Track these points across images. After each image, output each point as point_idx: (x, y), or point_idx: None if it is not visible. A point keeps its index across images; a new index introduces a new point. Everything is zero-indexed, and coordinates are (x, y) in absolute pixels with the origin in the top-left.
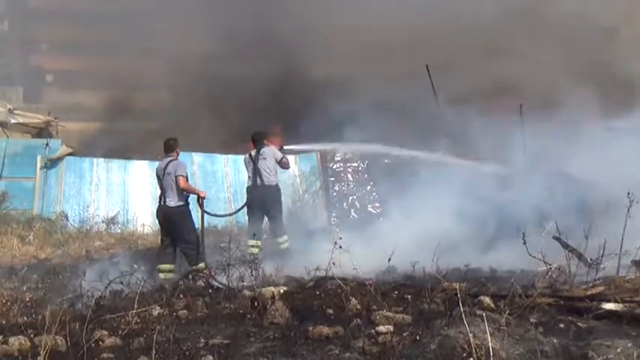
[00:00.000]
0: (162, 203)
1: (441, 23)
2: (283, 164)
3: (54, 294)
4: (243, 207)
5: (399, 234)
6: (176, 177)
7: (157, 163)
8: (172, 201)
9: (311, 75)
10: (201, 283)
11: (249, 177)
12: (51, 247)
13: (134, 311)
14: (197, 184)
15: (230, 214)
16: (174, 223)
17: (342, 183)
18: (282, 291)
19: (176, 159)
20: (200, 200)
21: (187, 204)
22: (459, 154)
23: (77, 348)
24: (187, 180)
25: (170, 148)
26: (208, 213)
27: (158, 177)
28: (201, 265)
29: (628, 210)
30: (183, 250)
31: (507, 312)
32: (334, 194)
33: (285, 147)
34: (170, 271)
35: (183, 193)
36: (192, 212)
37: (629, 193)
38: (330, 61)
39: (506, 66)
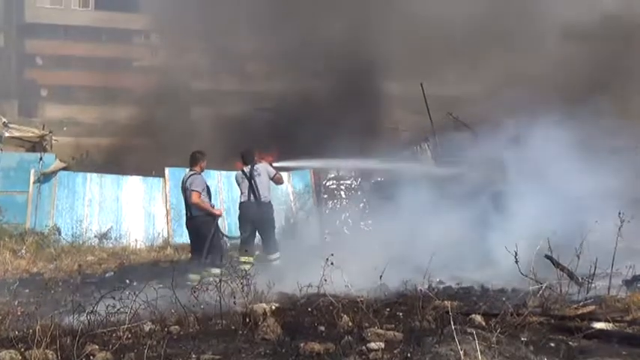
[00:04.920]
0: (188, 215)
1: None
2: (277, 180)
3: (45, 308)
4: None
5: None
6: (190, 192)
7: (150, 179)
8: (196, 212)
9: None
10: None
11: (242, 193)
12: (43, 262)
13: (125, 326)
14: None
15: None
16: (198, 233)
17: (335, 200)
18: (273, 307)
19: (198, 173)
20: (215, 219)
21: (210, 215)
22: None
23: None
24: (201, 195)
25: (194, 161)
26: (224, 235)
27: (182, 190)
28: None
29: (619, 229)
30: (210, 258)
31: (498, 330)
32: (327, 211)
33: (274, 164)
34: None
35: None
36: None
37: (620, 213)
38: None
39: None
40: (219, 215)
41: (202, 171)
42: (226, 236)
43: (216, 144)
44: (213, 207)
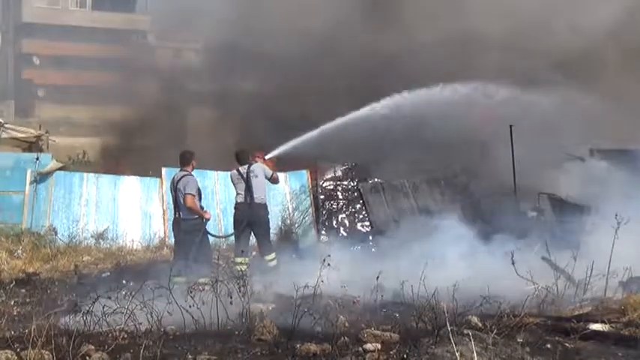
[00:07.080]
0: (176, 216)
1: None
2: (274, 180)
3: (42, 308)
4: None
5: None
6: (184, 195)
7: (147, 179)
8: (186, 215)
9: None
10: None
11: (238, 193)
12: (39, 262)
13: (121, 326)
14: None
15: (229, 235)
16: (189, 235)
17: (332, 201)
18: (270, 308)
19: (190, 174)
20: (204, 222)
21: (200, 218)
22: None
23: None
24: (195, 198)
25: (185, 161)
26: (210, 234)
27: (171, 190)
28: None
29: (616, 231)
30: (198, 262)
31: (495, 331)
32: (324, 212)
33: (266, 157)
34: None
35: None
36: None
37: (616, 215)
38: None
39: None
40: (209, 219)
41: (193, 170)
42: (215, 236)
43: (214, 144)
44: (202, 209)
